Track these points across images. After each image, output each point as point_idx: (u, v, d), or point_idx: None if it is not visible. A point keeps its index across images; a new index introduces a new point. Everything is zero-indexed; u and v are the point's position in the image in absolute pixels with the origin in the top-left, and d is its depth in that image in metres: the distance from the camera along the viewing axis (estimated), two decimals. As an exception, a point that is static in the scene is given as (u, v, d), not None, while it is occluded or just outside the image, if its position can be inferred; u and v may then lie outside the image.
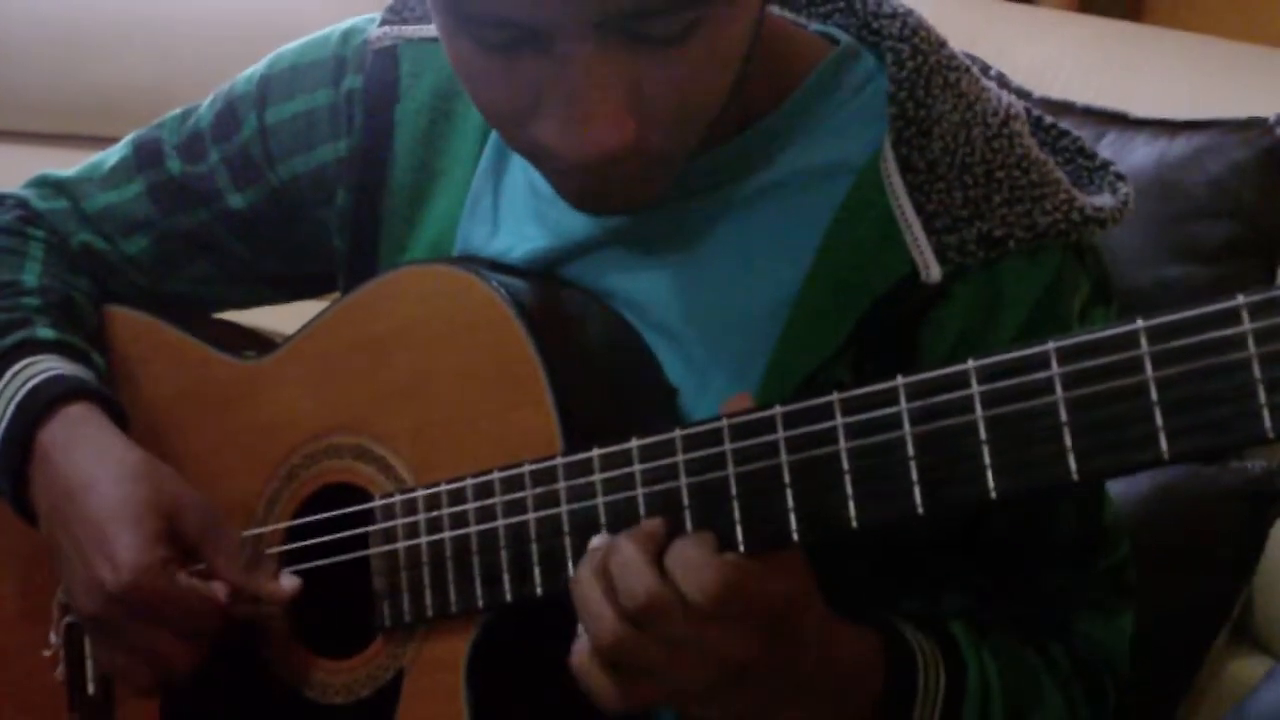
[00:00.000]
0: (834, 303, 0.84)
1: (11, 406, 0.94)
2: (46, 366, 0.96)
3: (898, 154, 0.84)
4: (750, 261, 0.87)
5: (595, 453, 0.79)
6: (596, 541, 0.77)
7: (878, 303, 0.83)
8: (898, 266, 0.83)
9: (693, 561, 0.73)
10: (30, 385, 0.94)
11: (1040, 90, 1.56)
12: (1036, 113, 0.90)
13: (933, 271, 0.83)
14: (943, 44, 0.87)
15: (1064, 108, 1.51)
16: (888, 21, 0.88)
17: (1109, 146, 1.46)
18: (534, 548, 0.82)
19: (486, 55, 0.76)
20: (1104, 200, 0.87)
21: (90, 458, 0.92)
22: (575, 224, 0.90)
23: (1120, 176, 0.89)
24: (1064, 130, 0.91)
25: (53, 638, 1.00)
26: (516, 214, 0.94)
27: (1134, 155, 1.44)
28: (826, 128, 0.88)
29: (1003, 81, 0.98)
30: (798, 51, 0.89)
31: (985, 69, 0.91)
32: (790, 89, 0.88)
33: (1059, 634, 0.93)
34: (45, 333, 0.98)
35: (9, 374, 0.95)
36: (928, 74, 0.85)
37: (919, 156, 0.84)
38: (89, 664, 0.99)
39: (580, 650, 0.75)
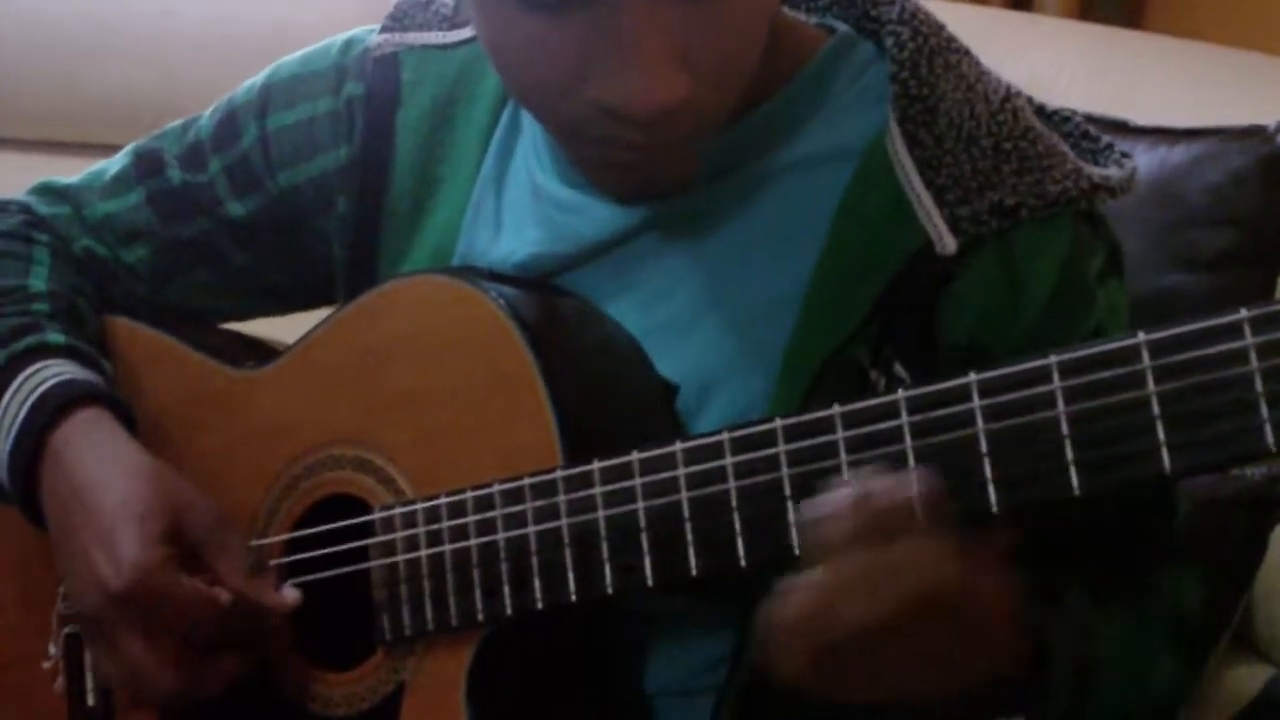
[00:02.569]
0: (849, 283, 0.84)
1: (24, 410, 0.94)
2: (57, 371, 0.96)
3: (904, 131, 0.84)
4: (759, 249, 0.88)
5: (595, 465, 0.79)
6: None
7: (894, 280, 0.84)
8: (911, 241, 0.84)
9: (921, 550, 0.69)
10: (42, 390, 0.94)
11: (1040, 97, 1.55)
12: (1037, 102, 0.91)
13: (948, 243, 0.83)
14: (941, 27, 0.88)
15: (1064, 115, 1.51)
16: (886, 8, 0.89)
17: (1108, 155, 1.45)
18: (534, 560, 0.81)
19: (533, 17, 0.77)
20: (1112, 172, 0.87)
21: (98, 460, 0.92)
22: (580, 226, 0.91)
23: (1126, 154, 0.90)
24: (1066, 115, 0.92)
25: (52, 649, 1.00)
26: (520, 217, 0.94)
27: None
28: (828, 113, 0.89)
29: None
30: (797, 40, 0.90)
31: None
32: (790, 76, 0.89)
33: (1156, 584, 0.91)
34: (56, 337, 0.98)
35: (20, 378, 0.96)
36: (929, 54, 0.86)
37: (926, 133, 0.84)
38: (88, 675, 0.98)
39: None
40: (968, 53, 0.88)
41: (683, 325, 0.88)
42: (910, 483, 0.70)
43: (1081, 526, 0.86)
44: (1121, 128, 1.48)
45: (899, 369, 0.82)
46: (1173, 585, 0.93)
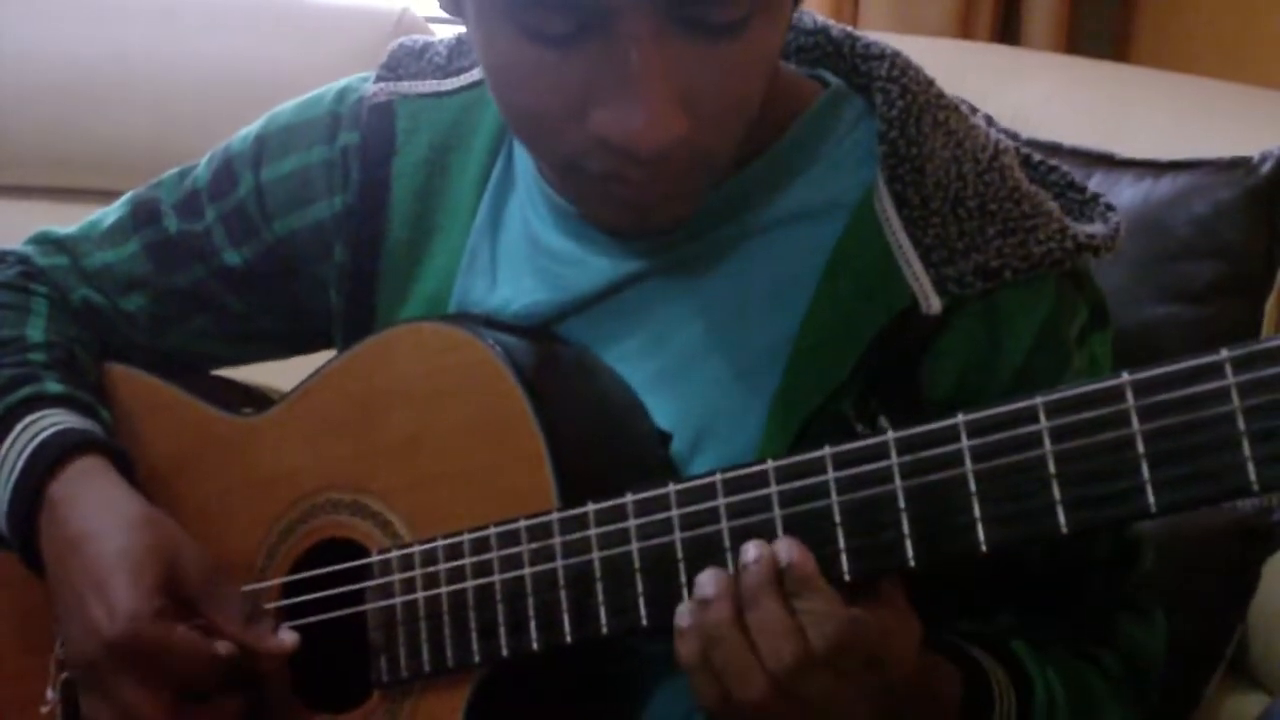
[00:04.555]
0: (835, 338, 0.85)
1: (22, 460, 0.95)
2: (55, 421, 0.97)
3: (892, 190, 0.85)
4: (752, 301, 0.89)
5: (590, 508, 0.80)
6: (752, 554, 0.75)
7: (879, 337, 0.85)
8: (897, 300, 0.85)
9: (819, 613, 0.73)
10: (39, 439, 0.95)
11: (1028, 132, 1.56)
12: (1025, 150, 0.92)
13: (933, 303, 0.84)
14: (930, 83, 0.89)
15: (1051, 149, 1.52)
16: (876, 63, 0.90)
17: (1095, 187, 1.46)
18: (530, 602, 0.82)
19: (537, 48, 0.78)
20: (1096, 229, 0.88)
21: (94, 509, 0.93)
22: (576, 278, 0.92)
23: (1110, 207, 0.91)
24: (1053, 165, 0.92)
25: (50, 693, 1.00)
26: (515, 267, 0.95)
27: (1120, 196, 1.45)
28: (820, 168, 0.90)
29: (990, 123, 1.00)
30: (790, 91, 0.91)
31: (972, 110, 0.93)
32: (784, 128, 0.90)
33: (1108, 640, 0.94)
34: (53, 387, 0.99)
35: (19, 428, 0.96)
36: (918, 112, 0.86)
37: (913, 192, 0.85)
38: (86, 720, 0.99)
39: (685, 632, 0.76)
40: (956, 108, 0.89)
41: (676, 374, 0.89)
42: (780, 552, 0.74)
43: (1036, 575, 0.89)
44: (1107, 160, 1.50)
45: (883, 422, 0.82)
46: (1128, 635, 0.95)
